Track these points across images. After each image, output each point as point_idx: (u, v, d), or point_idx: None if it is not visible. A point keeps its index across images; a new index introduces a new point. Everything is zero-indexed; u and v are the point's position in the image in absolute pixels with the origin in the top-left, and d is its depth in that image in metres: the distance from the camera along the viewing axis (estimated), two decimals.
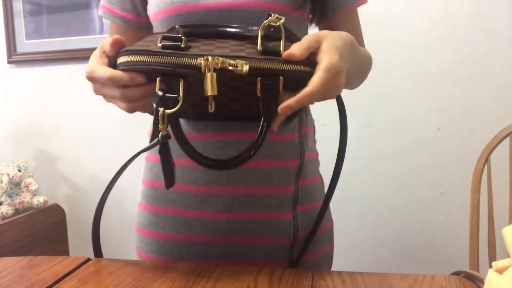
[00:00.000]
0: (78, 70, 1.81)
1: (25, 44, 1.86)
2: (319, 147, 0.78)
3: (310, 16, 0.72)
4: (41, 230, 1.72)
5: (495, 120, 1.42)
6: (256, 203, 0.66)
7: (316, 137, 0.77)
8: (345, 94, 0.64)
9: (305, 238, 0.69)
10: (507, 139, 1.17)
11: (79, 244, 1.88)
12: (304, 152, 0.69)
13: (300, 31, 0.69)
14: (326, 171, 0.75)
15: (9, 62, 1.88)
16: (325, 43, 0.52)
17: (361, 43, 0.75)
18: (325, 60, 0.51)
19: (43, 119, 1.89)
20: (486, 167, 1.17)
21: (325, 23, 0.74)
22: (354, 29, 0.74)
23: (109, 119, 1.73)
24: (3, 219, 1.61)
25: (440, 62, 1.47)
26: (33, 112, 1.90)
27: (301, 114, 0.70)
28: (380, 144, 1.54)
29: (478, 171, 1.17)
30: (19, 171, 1.69)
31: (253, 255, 0.67)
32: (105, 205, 0.62)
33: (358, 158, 1.55)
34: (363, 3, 0.74)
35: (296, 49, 0.51)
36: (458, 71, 1.46)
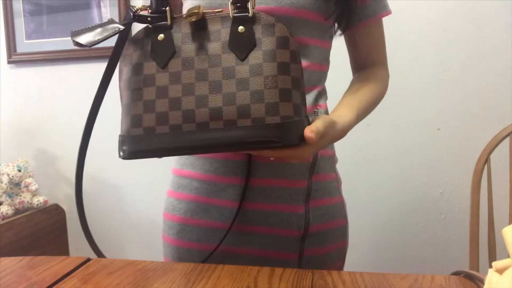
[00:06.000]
0: (78, 70, 1.81)
1: (25, 44, 1.86)
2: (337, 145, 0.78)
3: (336, 24, 0.74)
4: (41, 230, 1.72)
5: (495, 120, 1.42)
6: (270, 195, 0.69)
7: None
8: None
9: (317, 232, 0.71)
10: (507, 139, 1.17)
11: (79, 244, 1.88)
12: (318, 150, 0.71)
13: (324, 37, 0.72)
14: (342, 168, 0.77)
15: (9, 62, 1.88)
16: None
17: (382, 53, 0.79)
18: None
19: (43, 119, 1.89)
20: (486, 167, 1.17)
21: (349, 32, 0.76)
22: (377, 39, 0.78)
23: (109, 119, 1.73)
24: (3, 219, 1.61)
25: (440, 62, 1.47)
26: (33, 112, 1.90)
27: (316, 112, 0.71)
28: (380, 144, 1.54)
29: (478, 171, 1.17)
30: (19, 171, 1.69)
31: (265, 244, 0.70)
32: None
33: (358, 158, 1.55)
34: (388, 14, 0.76)
35: (315, 135, 0.52)
36: (458, 71, 1.46)
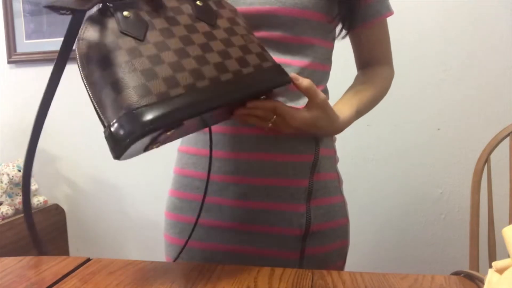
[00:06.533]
0: (78, 70, 1.81)
1: (25, 44, 1.86)
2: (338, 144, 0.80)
3: (339, 25, 0.74)
4: (41, 230, 1.71)
5: (495, 120, 1.42)
6: (271, 194, 0.69)
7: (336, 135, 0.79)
8: None
9: (318, 231, 0.71)
10: (507, 139, 1.17)
11: (79, 244, 1.88)
12: (319, 148, 0.71)
13: (327, 37, 0.73)
14: (343, 168, 0.78)
15: (9, 62, 1.88)
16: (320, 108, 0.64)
17: (387, 52, 0.81)
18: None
19: None
20: (486, 167, 1.17)
21: (354, 32, 0.77)
22: (382, 38, 0.79)
23: None
24: (3, 219, 1.61)
25: (440, 62, 1.47)
26: (33, 112, 1.89)
27: None
28: (380, 144, 1.54)
29: (478, 171, 1.17)
30: (19, 171, 1.69)
31: (266, 243, 0.71)
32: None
33: (358, 158, 1.55)
34: (391, 14, 0.77)
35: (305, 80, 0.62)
36: (458, 71, 1.46)
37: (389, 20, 0.78)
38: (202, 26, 0.57)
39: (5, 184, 1.66)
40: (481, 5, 1.41)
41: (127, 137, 0.47)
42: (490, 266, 0.42)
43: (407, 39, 1.47)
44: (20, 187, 1.75)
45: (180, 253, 0.71)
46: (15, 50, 1.87)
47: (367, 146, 1.54)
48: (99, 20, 0.53)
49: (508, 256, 0.41)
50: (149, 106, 0.48)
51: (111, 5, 0.53)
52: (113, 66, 0.50)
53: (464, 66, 1.45)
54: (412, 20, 1.46)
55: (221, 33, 0.58)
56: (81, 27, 0.52)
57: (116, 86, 0.49)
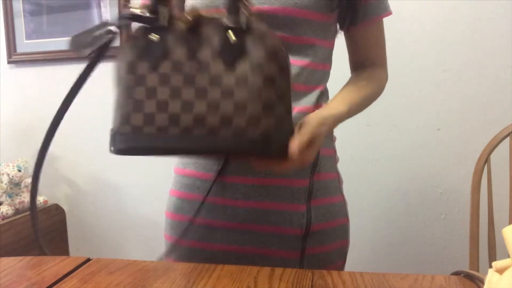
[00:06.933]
0: (77, 70, 1.81)
1: (25, 44, 1.86)
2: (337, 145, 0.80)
3: (339, 22, 0.74)
4: (41, 230, 1.72)
5: (495, 120, 1.42)
6: (272, 194, 0.70)
7: (335, 135, 0.79)
8: None
9: (318, 231, 0.71)
10: (507, 139, 1.17)
11: (79, 244, 1.88)
12: (319, 148, 0.71)
13: (327, 37, 0.73)
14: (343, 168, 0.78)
15: (9, 62, 1.88)
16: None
17: (382, 54, 0.80)
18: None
19: (43, 119, 1.89)
20: (486, 167, 1.17)
21: (350, 33, 0.76)
22: (377, 39, 0.79)
23: (109, 119, 1.73)
24: (3, 219, 1.61)
25: (440, 62, 1.47)
26: (33, 112, 1.90)
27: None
28: (380, 144, 1.53)
29: (478, 171, 1.17)
30: (19, 171, 1.69)
31: (267, 243, 0.71)
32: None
33: (358, 158, 1.55)
34: (389, 14, 0.77)
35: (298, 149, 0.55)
36: (458, 71, 1.46)
37: (389, 20, 0.78)
38: (217, 66, 0.54)
39: (5, 184, 1.66)
40: (481, 5, 1.41)
41: (116, 151, 0.56)
42: (490, 266, 0.42)
43: (407, 39, 1.47)
44: (20, 187, 1.76)
45: (171, 249, 0.71)
46: (15, 50, 1.87)
47: (367, 146, 1.54)
48: (136, 39, 0.56)
49: (508, 256, 0.41)
50: (124, 135, 0.55)
51: (147, 26, 0.56)
52: (119, 87, 0.57)
53: (464, 66, 1.45)
54: (412, 20, 1.46)
55: (230, 80, 0.53)
56: (123, 39, 0.59)
57: (116, 105, 0.57)
